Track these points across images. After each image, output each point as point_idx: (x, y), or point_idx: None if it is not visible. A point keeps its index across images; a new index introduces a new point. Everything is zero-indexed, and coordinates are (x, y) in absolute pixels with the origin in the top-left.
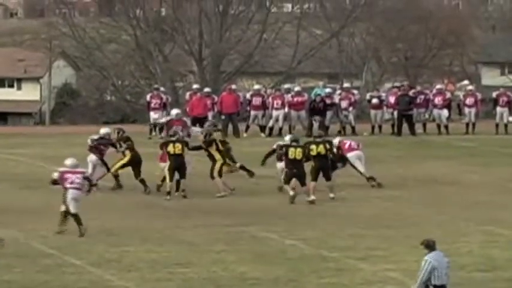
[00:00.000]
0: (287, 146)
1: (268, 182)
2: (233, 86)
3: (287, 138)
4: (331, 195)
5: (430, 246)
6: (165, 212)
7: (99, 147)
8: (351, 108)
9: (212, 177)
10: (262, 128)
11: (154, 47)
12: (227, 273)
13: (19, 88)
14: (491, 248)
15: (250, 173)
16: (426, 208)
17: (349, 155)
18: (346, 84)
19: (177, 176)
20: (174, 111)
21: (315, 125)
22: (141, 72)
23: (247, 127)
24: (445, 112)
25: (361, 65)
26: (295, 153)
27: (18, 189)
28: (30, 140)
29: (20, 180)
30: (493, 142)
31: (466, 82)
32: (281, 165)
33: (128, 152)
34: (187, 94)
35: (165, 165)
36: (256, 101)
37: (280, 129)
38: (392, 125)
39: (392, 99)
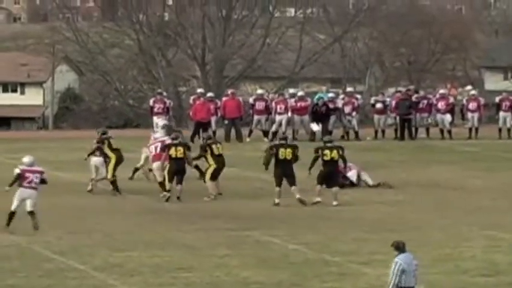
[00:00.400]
0: (277, 146)
1: (271, 186)
2: (230, 91)
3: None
4: (335, 202)
5: (399, 248)
6: (167, 216)
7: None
8: (354, 113)
9: (204, 180)
10: (266, 133)
11: (157, 52)
12: (230, 277)
13: (22, 93)
14: (494, 252)
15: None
16: (429, 213)
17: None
18: (349, 89)
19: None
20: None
21: (316, 129)
22: (144, 76)
23: (251, 132)
24: (448, 117)
25: (364, 69)
26: (285, 153)
27: None
28: (33, 144)
29: None
30: (496, 147)
31: (469, 87)
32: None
33: (111, 153)
34: (191, 98)
35: (158, 165)
36: (260, 105)
37: (283, 134)
38: (396, 130)
39: (394, 104)
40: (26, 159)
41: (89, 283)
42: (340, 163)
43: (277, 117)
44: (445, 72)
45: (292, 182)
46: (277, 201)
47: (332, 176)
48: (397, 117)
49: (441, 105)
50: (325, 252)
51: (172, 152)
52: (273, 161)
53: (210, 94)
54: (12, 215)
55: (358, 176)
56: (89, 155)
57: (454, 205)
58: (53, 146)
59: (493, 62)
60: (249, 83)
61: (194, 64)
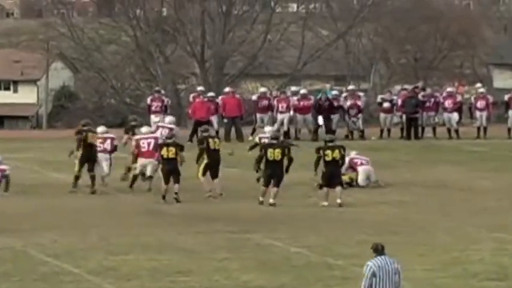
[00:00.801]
0: (266, 147)
1: None
2: (227, 89)
3: (267, 129)
4: (339, 200)
5: (377, 250)
6: (165, 218)
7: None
8: (360, 115)
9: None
10: None
11: (155, 48)
12: (230, 281)
13: (15, 91)
14: (503, 255)
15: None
16: (435, 214)
17: (361, 168)
18: (351, 87)
19: (149, 172)
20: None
21: (322, 123)
22: (142, 74)
23: (254, 130)
24: (455, 116)
25: (368, 66)
26: (273, 154)
27: (14, 194)
28: (27, 144)
29: (15, 185)
30: (505, 147)
31: (478, 85)
32: None
33: (80, 148)
34: (191, 96)
35: (144, 162)
36: (263, 103)
37: (286, 132)
38: (402, 129)
39: (400, 102)
40: None
41: (84, 287)
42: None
43: (279, 116)
44: (452, 70)
45: (277, 183)
46: (261, 199)
47: (334, 176)
48: (403, 116)
49: (448, 103)
50: (327, 255)
51: (164, 152)
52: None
53: (211, 94)
54: None
55: (368, 177)
56: (71, 152)
57: (461, 206)
58: (47, 145)
59: (502, 59)
60: (250, 80)
61: (193, 61)
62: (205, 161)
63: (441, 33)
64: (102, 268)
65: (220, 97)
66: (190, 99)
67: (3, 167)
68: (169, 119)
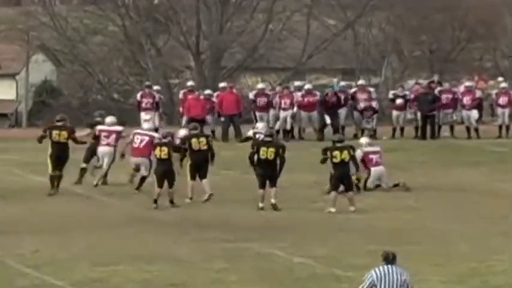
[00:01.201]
0: (259, 145)
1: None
2: (223, 84)
3: (259, 125)
4: (352, 208)
5: (387, 258)
6: (157, 225)
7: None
8: (374, 116)
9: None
10: None
11: (145, 39)
12: None
13: None
14: None
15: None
16: (452, 221)
17: (373, 169)
18: (361, 81)
19: (143, 171)
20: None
21: (329, 122)
22: (131, 67)
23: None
24: (474, 113)
25: (380, 59)
26: (266, 153)
27: None
28: (5, 144)
29: None
30: None
31: (500, 79)
32: None
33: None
34: (181, 93)
35: (136, 160)
36: (261, 101)
37: (289, 131)
38: (416, 127)
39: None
40: None
41: None
42: (352, 168)
43: (282, 113)
44: (471, 63)
45: (272, 183)
46: (261, 205)
47: (344, 179)
48: (418, 113)
49: (467, 99)
50: (335, 266)
51: (157, 152)
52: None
53: (207, 91)
54: None
55: (379, 178)
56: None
57: (481, 212)
58: (27, 146)
59: None
60: (250, 74)
61: (188, 53)
62: (189, 162)
63: (459, 23)
64: (87, 280)
65: (216, 93)
66: (180, 95)
67: None
68: (110, 119)
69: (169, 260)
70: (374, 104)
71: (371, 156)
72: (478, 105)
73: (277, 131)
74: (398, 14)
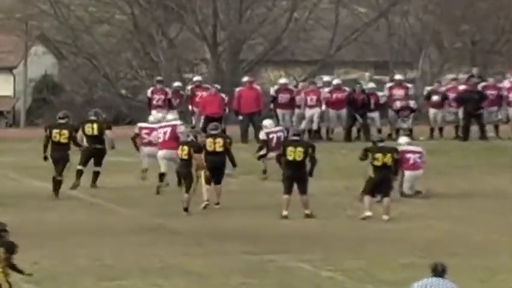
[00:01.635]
0: (286, 144)
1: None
2: (247, 79)
3: (267, 123)
4: (385, 217)
5: (435, 270)
6: (170, 236)
7: None
8: (411, 115)
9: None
10: None
11: (156, 29)
12: None
13: None
14: None
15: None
16: (497, 232)
17: (408, 173)
18: (397, 76)
19: (163, 168)
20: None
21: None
22: (141, 60)
23: None
24: None
25: (416, 51)
26: (294, 153)
27: None
28: (1, 145)
29: None
30: None
31: None
32: None
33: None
34: (188, 88)
35: (164, 153)
36: (283, 98)
37: (316, 131)
38: (456, 127)
39: (453, 95)
40: None
41: None
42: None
43: (308, 112)
44: None
45: (302, 190)
46: (285, 213)
47: (384, 184)
48: (459, 112)
49: None
50: (367, 281)
51: (179, 151)
52: None
53: (216, 86)
54: None
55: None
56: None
57: None
58: (25, 147)
59: None
60: (272, 68)
61: (203, 45)
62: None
63: (504, 11)
64: None
65: (238, 88)
66: (188, 92)
67: None
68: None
69: (182, 274)
70: (412, 103)
71: (408, 155)
72: None
73: (303, 131)
74: (437, 1)
